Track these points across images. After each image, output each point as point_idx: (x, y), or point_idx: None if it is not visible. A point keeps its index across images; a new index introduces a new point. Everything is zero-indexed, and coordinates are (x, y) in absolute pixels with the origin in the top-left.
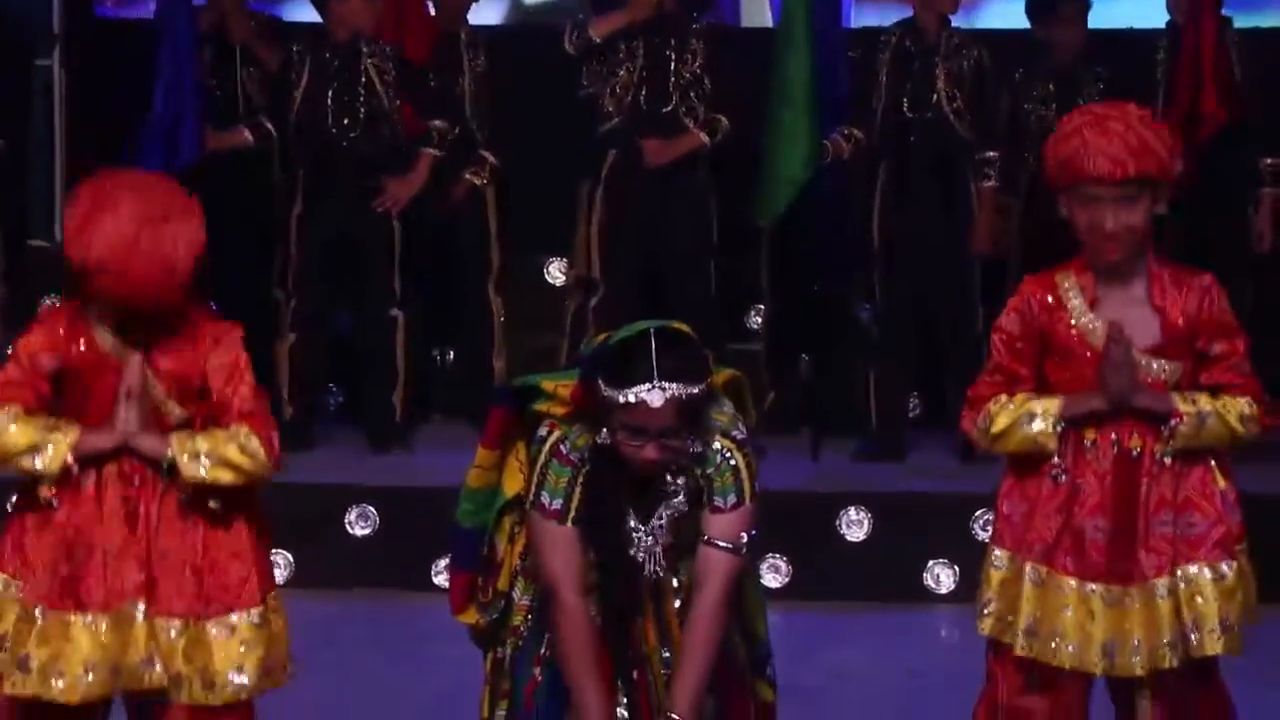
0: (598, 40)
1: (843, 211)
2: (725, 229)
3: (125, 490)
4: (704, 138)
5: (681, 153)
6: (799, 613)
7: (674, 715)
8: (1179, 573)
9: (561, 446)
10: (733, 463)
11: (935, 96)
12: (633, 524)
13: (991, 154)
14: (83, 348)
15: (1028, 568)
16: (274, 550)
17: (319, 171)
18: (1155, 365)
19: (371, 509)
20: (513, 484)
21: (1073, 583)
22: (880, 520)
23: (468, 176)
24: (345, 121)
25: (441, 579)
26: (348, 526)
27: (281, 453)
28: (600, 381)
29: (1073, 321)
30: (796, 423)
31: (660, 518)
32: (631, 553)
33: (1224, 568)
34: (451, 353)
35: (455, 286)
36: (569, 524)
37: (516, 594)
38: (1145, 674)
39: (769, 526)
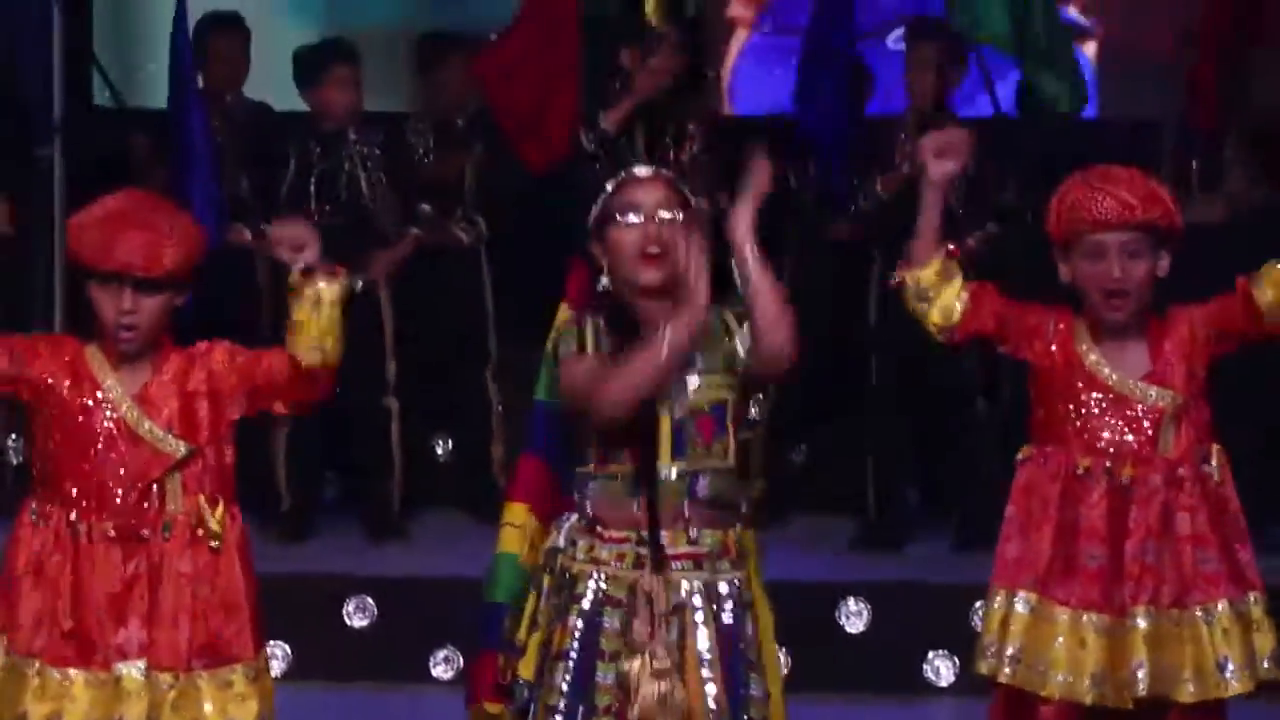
0: (613, 133)
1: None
2: None
3: (123, 544)
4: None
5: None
6: (799, 704)
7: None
8: (1201, 610)
9: (565, 327)
10: None
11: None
12: None
13: (991, 228)
14: (76, 374)
15: (1019, 596)
16: (272, 642)
17: None
18: (1153, 393)
19: (370, 600)
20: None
21: (1065, 612)
22: (879, 611)
23: (457, 231)
24: (327, 209)
25: (440, 670)
26: (346, 618)
27: (278, 542)
28: (591, 221)
29: (1074, 346)
30: (788, 511)
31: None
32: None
33: (1248, 599)
34: (450, 442)
35: (452, 374)
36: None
37: (559, 677)
38: (1131, 706)
39: None
